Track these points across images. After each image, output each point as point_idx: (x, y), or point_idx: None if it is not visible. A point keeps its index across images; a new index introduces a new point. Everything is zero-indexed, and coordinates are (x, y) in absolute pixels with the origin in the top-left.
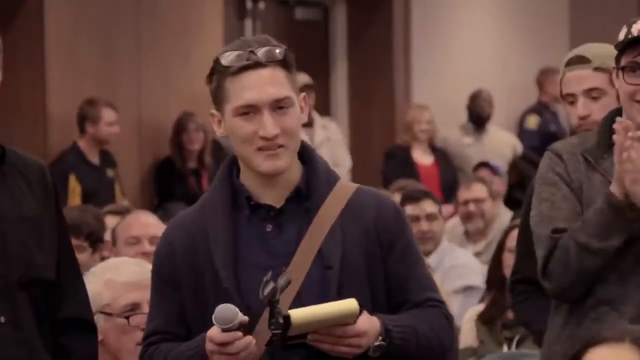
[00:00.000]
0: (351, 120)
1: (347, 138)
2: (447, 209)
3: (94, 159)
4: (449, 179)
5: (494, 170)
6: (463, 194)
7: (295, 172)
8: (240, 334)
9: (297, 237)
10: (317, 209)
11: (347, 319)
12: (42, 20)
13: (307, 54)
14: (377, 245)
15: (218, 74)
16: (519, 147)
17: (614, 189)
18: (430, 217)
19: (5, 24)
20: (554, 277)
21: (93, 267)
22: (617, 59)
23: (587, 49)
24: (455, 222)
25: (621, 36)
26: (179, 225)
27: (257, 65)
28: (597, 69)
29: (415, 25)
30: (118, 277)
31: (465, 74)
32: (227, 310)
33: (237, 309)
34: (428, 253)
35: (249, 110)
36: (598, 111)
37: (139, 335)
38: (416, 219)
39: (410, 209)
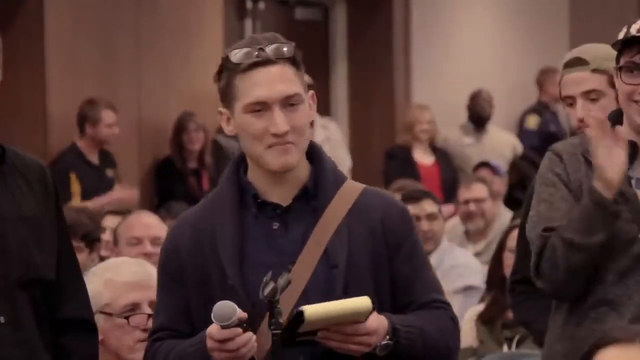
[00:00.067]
0: (351, 120)
1: (347, 138)
2: (448, 209)
3: (94, 159)
4: (450, 179)
5: (494, 170)
6: (463, 193)
7: (303, 171)
8: (239, 330)
9: (303, 236)
10: (324, 208)
11: (359, 317)
12: (42, 20)
13: (307, 54)
14: (384, 245)
15: (227, 71)
16: (519, 147)
17: (596, 184)
18: (430, 217)
19: (5, 24)
20: (544, 275)
21: (93, 267)
22: (617, 59)
23: (585, 51)
24: (455, 222)
25: (620, 36)
26: (185, 222)
27: (266, 62)
28: (595, 70)
29: (415, 25)
30: (118, 277)
31: (465, 74)
32: (225, 307)
33: (236, 306)
34: (428, 253)
35: (260, 107)
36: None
37: (139, 334)
38: (417, 218)
39: (410, 209)
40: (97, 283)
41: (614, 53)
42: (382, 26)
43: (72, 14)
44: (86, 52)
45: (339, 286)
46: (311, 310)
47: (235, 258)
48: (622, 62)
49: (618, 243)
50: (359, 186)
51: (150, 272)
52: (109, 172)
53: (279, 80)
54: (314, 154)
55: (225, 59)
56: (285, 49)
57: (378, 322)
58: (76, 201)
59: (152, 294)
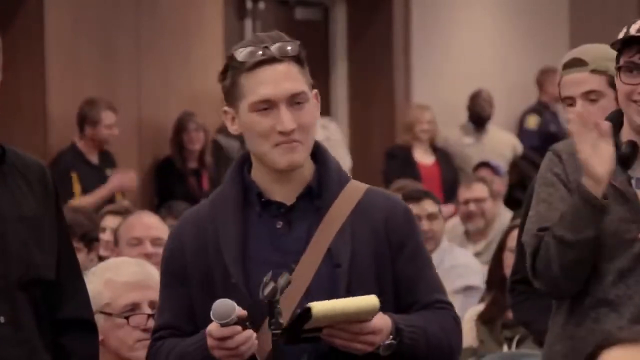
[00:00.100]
0: (351, 120)
1: (347, 138)
2: (448, 208)
3: (94, 159)
4: (450, 179)
5: (494, 170)
6: (464, 193)
7: (307, 170)
8: (239, 328)
9: (307, 235)
10: (327, 207)
11: (366, 316)
12: (42, 20)
13: (307, 54)
14: (387, 245)
15: (232, 70)
16: (519, 147)
17: (585, 180)
18: (431, 217)
19: (5, 24)
20: (540, 274)
21: (92, 267)
22: (617, 59)
23: (584, 51)
24: (455, 222)
25: (620, 36)
26: (189, 220)
27: (272, 60)
28: (594, 71)
29: (415, 25)
30: (118, 277)
31: (465, 74)
32: (224, 305)
33: (235, 304)
34: None
35: (266, 106)
36: (596, 113)
37: (139, 334)
38: (417, 218)
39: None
40: (97, 283)
41: (613, 53)
42: (382, 26)
43: (72, 14)
44: (86, 52)
45: (342, 286)
46: (319, 307)
47: (238, 257)
48: (621, 62)
49: (618, 243)
50: (363, 186)
51: (150, 272)
52: (109, 172)
53: (284, 78)
54: (318, 153)
55: (231, 58)
56: (289, 47)
57: (383, 321)
58: (76, 201)
59: (152, 294)
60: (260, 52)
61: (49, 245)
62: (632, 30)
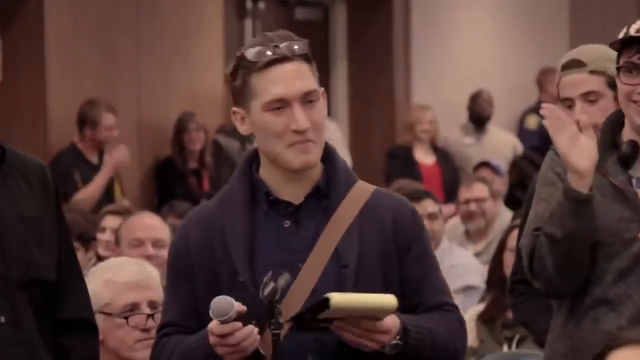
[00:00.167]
0: (351, 120)
1: (347, 138)
2: (449, 208)
3: (93, 158)
4: (451, 179)
5: (494, 170)
6: (464, 193)
7: (315, 170)
8: (239, 324)
9: (314, 235)
10: (335, 207)
11: (382, 314)
12: (42, 20)
13: None
14: (394, 246)
15: (243, 69)
16: (519, 147)
17: (570, 176)
18: (431, 217)
19: (5, 24)
20: (537, 274)
21: (92, 267)
22: (617, 60)
23: (582, 52)
24: (455, 222)
25: (620, 36)
26: (195, 218)
27: (283, 59)
28: (592, 72)
29: (415, 25)
30: (118, 277)
31: (465, 74)
32: (223, 302)
33: (234, 300)
34: None
35: (279, 105)
36: (596, 114)
37: (138, 334)
38: None
39: None
40: (96, 283)
41: (612, 53)
42: (382, 26)
43: (72, 14)
44: (86, 52)
45: (349, 286)
46: (338, 298)
47: (245, 255)
48: (621, 62)
49: (618, 242)
50: (370, 187)
51: (149, 272)
52: None
53: (296, 77)
54: (327, 153)
55: (240, 57)
56: (298, 45)
57: (392, 321)
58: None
59: (152, 294)
60: (271, 52)
61: (49, 245)
62: (632, 31)
